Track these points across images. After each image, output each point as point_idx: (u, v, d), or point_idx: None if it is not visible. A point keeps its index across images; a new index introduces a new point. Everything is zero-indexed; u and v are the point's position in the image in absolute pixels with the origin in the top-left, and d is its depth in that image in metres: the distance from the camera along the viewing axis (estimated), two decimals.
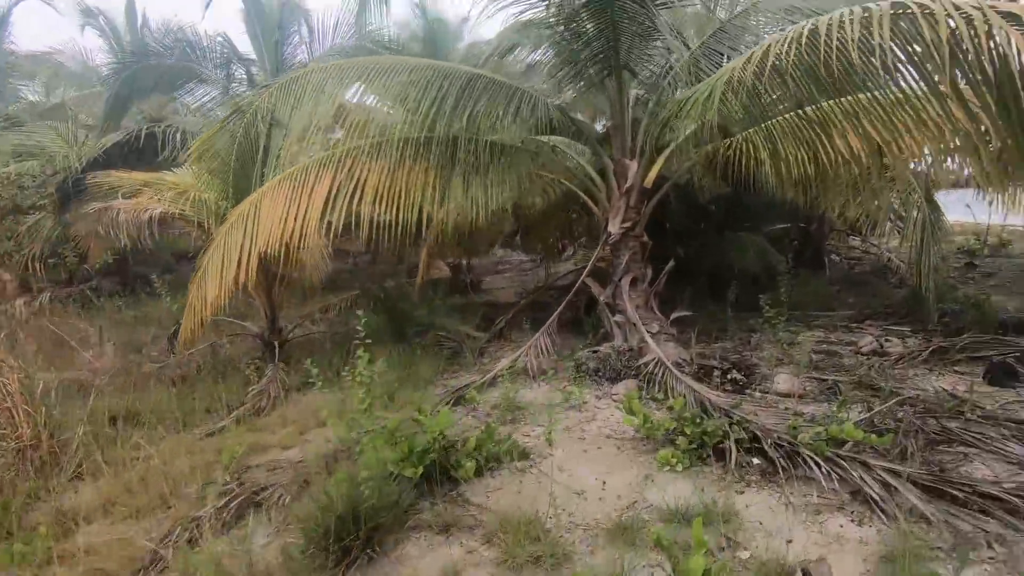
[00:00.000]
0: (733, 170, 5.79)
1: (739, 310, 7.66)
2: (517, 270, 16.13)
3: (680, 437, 3.71)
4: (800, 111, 4.79)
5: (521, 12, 5.52)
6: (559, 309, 6.15)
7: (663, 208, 8.10)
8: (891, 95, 3.93)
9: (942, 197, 9.10)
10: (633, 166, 6.08)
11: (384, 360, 6.06)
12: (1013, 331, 5.88)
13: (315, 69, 5.26)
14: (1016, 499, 2.89)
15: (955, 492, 3.00)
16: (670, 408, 3.96)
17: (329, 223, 5.46)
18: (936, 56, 2.69)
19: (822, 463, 3.34)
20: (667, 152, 6.37)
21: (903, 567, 2.56)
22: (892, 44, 2.85)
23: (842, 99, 4.43)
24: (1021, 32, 2.43)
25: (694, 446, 3.70)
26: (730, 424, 3.79)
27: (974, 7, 2.63)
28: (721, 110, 4.93)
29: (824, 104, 4.66)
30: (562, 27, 5.77)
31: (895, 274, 9.61)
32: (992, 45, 2.51)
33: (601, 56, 5.85)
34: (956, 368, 5.21)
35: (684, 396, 4.38)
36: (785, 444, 3.54)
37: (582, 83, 6.32)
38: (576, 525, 3.12)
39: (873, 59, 2.84)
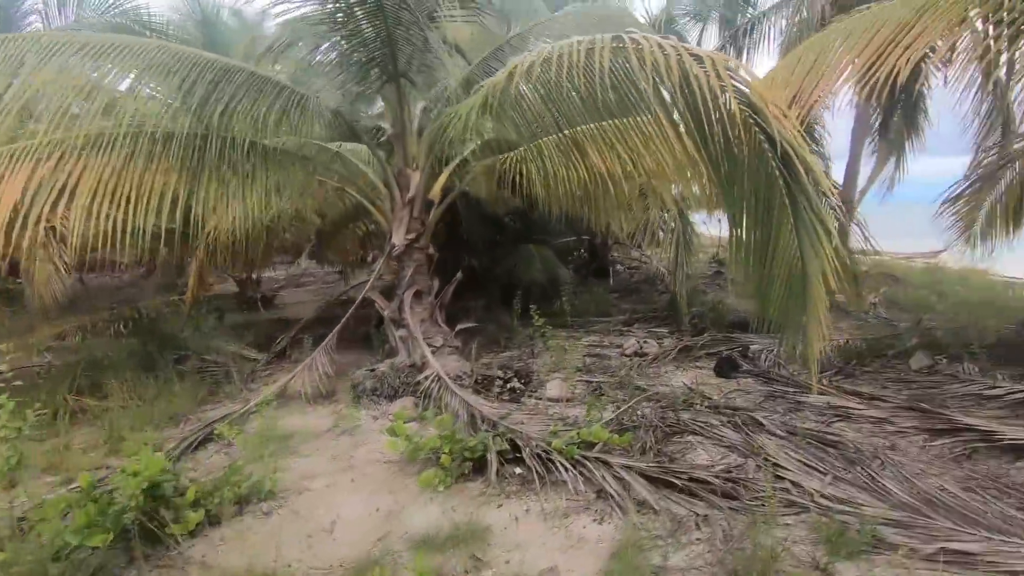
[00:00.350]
0: (515, 184, 6.01)
1: (531, 319, 8.03)
2: (322, 283, 15.16)
3: (444, 455, 3.60)
4: (561, 132, 5.09)
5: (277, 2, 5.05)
6: (338, 326, 5.76)
7: (458, 220, 8.19)
8: (627, 122, 4.35)
9: (701, 215, 10.66)
10: (416, 177, 5.96)
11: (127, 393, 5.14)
12: (739, 329, 6.98)
13: (4, 39, 4.21)
14: (718, 481, 3.29)
15: (675, 480, 3.32)
16: (436, 426, 3.85)
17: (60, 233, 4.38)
18: (648, 89, 2.96)
19: (570, 467, 3.48)
20: (453, 164, 6.41)
21: (625, 560, 2.72)
22: (611, 73, 3.07)
23: (592, 123, 4.81)
24: (704, 70, 2.76)
25: (457, 463, 3.62)
26: (494, 436, 3.80)
27: (672, 46, 2.95)
28: (490, 126, 5.06)
29: (581, 127, 5.03)
30: (338, 24, 5.45)
31: (662, 281, 10.94)
32: (684, 80, 2.81)
33: (379, 62, 5.65)
34: (697, 364, 5.99)
35: (456, 412, 4.33)
36: (541, 452, 3.64)
37: (363, 88, 6.04)
38: (315, 569, 2.80)
39: (595, 85, 3.03)
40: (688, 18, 11.25)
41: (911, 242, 13.72)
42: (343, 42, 5.66)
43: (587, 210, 6.36)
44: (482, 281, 8.84)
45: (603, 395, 5.03)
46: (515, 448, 3.77)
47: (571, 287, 8.43)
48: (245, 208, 4.87)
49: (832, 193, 2.70)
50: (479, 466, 3.69)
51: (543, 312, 8.19)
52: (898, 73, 3.84)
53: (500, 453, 3.70)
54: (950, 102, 8.40)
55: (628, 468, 3.43)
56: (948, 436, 3.95)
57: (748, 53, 9.93)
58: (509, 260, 8.38)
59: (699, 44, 11.30)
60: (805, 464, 3.58)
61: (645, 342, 6.46)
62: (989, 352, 5.51)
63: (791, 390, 4.99)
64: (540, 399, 5.05)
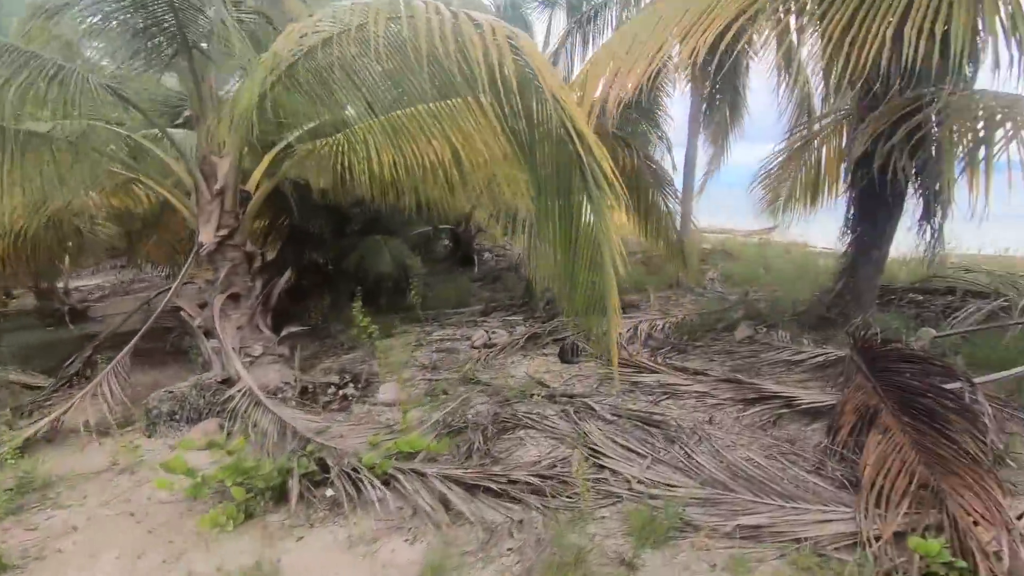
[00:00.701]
0: (345, 172, 5.48)
1: (387, 313, 7.59)
2: (159, 288, 13.43)
3: (235, 488, 3.10)
4: (375, 115, 4.68)
5: None
6: (133, 341, 4.93)
7: (291, 212, 7.48)
8: (441, 105, 4.04)
9: None
10: (224, 164, 5.22)
11: None
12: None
13: None
14: (536, 480, 3.13)
15: (493, 485, 3.11)
16: (230, 452, 3.32)
17: None
18: (423, 59, 2.65)
19: (382, 483, 3.15)
20: (275, 150, 5.74)
21: None
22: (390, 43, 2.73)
23: (411, 107, 4.45)
24: (481, 36, 2.49)
25: (254, 495, 3.14)
26: (300, 456, 3.36)
27: (451, 12, 2.66)
28: (296, 106, 4.53)
29: (400, 111, 4.65)
30: None
31: (524, 268, 10.94)
32: (462, 49, 2.53)
33: (166, 28, 4.85)
34: (544, 351, 5.91)
35: (265, 431, 3.82)
36: (352, 469, 3.26)
37: (149, 60, 5.17)
38: None
39: (371, 53, 2.67)
40: (537, 3, 11.25)
41: (747, 221, 15.00)
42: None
43: (421, 197, 6.00)
44: (330, 277, 8.23)
45: (444, 393, 4.76)
46: (326, 468, 3.36)
47: (424, 278, 8.06)
48: None
49: (615, 176, 2.59)
50: (284, 494, 3.24)
51: (396, 306, 7.83)
52: (697, 53, 3.92)
53: (307, 475, 3.28)
54: (771, 91, 9.12)
55: (445, 478, 3.16)
56: (759, 404, 4.15)
57: (593, 39, 10.11)
58: (357, 254, 7.82)
59: (548, 31, 11.35)
60: (628, 449, 3.55)
61: (494, 332, 6.29)
62: (799, 320, 6.00)
63: (628, 371, 5.03)
64: (375, 404, 4.66)
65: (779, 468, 3.28)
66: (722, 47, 3.88)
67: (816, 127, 6.66)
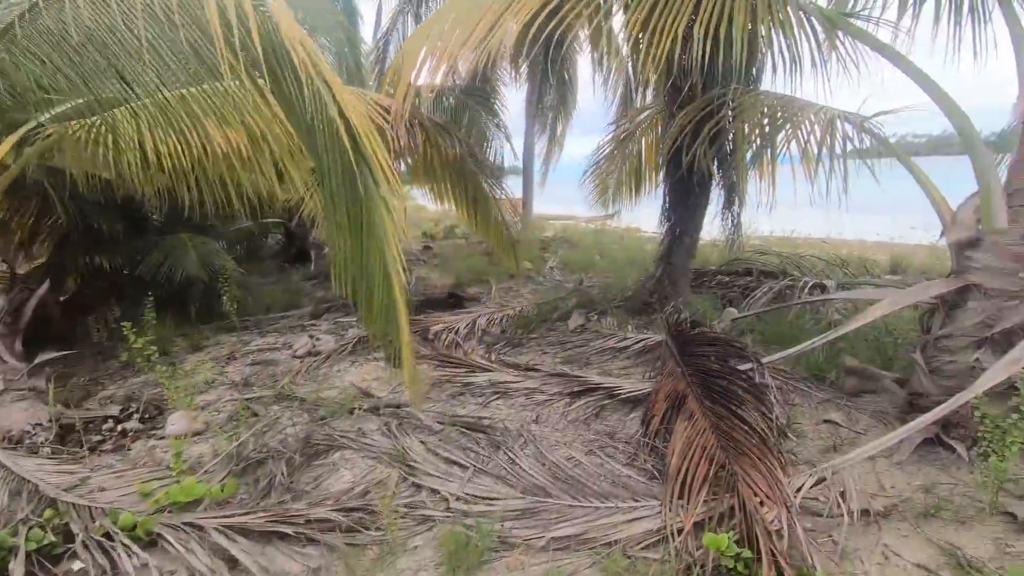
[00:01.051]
0: (110, 161, 4.53)
1: (199, 322, 6.65)
2: None
3: None
4: (132, 90, 3.89)
5: None
6: None
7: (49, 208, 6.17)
8: (223, 86, 3.44)
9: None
10: None
11: None
12: (431, 308, 6.77)
13: None
14: (339, 515, 2.77)
15: (288, 529, 2.70)
16: None
17: None
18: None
19: (137, 548, 2.57)
20: (18, 134, 4.58)
21: None
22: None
23: (190, 87, 3.75)
24: None
25: None
26: (32, 526, 2.64)
27: None
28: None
29: (172, 92, 3.91)
30: None
31: None
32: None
33: None
34: (376, 356, 5.50)
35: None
36: (102, 536, 2.63)
37: None
38: None
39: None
40: None
41: (588, 209, 15.73)
42: None
43: (230, 189, 5.24)
44: (122, 285, 6.98)
45: (254, 415, 4.17)
46: (71, 536, 2.68)
47: (246, 279, 7.19)
48: None
49: (386, 164, 2.31)
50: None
51: (211, 314, 6.88)
52: (516, 36, 3.76)
53: (42, 549, 2.58)
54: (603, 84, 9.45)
55: (229, 527, 2.68)
56: (584, 397, 4.17)
57: (425, 19, 9.71)
58: (156, 256, 6.68)
59: (379, 12, 10.72)
60: (450, 462, 3.33)
61: (318, 339, 5.73)
62: (626, 305, 6.27)
63: (461, 371, 4.83)
64: (161, 439, 3.93)
65: (597, 464, 3.27)
66: (532, 32, 3.75)
67: (638, 119, 6.97)
